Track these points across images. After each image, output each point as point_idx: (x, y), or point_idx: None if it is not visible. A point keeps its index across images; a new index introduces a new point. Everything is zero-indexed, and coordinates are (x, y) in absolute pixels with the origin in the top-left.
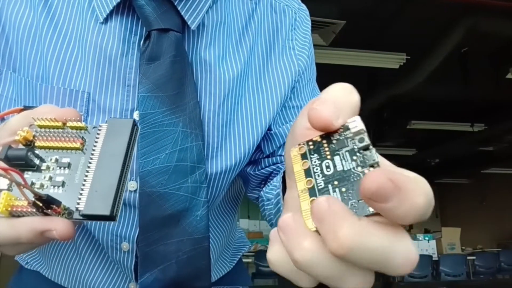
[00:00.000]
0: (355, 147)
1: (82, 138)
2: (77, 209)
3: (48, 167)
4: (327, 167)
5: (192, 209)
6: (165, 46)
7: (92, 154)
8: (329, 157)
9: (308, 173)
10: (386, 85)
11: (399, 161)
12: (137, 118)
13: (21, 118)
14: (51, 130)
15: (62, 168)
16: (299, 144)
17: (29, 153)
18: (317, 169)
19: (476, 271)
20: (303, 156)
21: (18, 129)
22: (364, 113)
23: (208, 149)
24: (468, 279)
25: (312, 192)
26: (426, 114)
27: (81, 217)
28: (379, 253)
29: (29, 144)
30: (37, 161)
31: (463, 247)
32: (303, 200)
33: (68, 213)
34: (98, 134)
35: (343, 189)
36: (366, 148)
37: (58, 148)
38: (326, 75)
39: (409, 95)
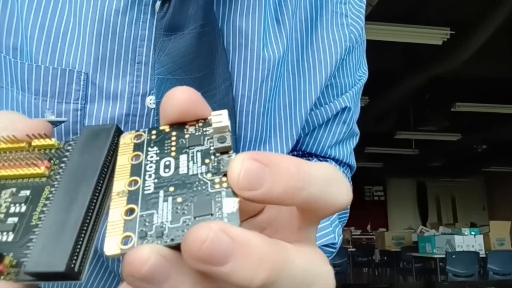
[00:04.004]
0: (212, 147)
1: (50, 159)
2: (23, 264)
3: None
4: (167, 166)
5: None
6: (190, 12)
7: (57, 181)
8: (173, 154)
9: (136, 170)
10: (428, 63)
11: (443, 147)
12: (152, 105)
13: None
14: (12, 153)
15: (18, 204)
16: (138, 131)
17: None
18: (151, 167)
19: None
20: (137, 147)
21: None
22: (403, 94)
23: (239, 143)
24: None
25: (132, 197)
26: (472, 95)
27: (27, 277)
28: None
29: None
30: None
31: None
32: (114, 207)
33: (15, 273)
34: (70, 151)
35: (179, 199)
36: (225, 151)
37: (17, 177)
38: None
39: (453, 75)
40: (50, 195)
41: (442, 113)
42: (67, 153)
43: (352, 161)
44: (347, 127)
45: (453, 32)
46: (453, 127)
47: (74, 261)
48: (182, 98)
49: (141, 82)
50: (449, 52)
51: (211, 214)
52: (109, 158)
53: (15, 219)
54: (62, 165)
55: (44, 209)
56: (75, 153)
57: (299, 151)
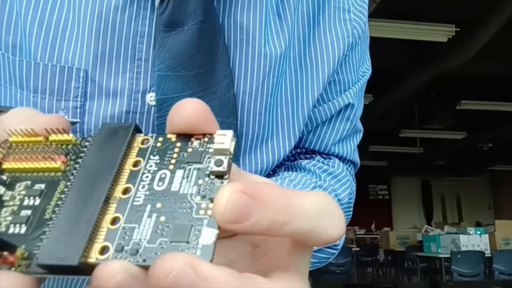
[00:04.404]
0: (209, 168)
1: (67, 155)
2: (36, 256)
3: (13, 198)
4: (161, 179)
5: None
6: (190, 7)
7: (73, 176)
8: (171, 167)
9: (133, 177)
10: (433, 61)
11: (448, 146)
12: (152, 102)
13: None
14: (29, 146)
15: (32, 197)
16: (146, 135)
17: None
18: (147, 176)
19: None
20: (141, 153)
21: None
22: (407, 92)
23: (241, 141)
24: None
25: (121, 206)
26: (477, 93)
27: (39, 269)
28: None
29: None
30: (0, 190)
31: None
32: (102, 213)
33: (26, 265)
34: (87, 147)
35: (162, 218)
36: (220, 176)
37: (32, 171)
38: None
39: (459, 72)
40: (65, 189)
41: (447, 111)
42: (84, 149)
43: (356, 158)
44: (350, 124)
45: (458, 29)
46: (458, 125)
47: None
48: (191, 111)
49: (141, 79)
50: (454, 49)
51: (187, 242)
52: (126, 156)
53: (29, 212)
54: (79, 160)
55: (59, 202)
56: (92, 149)
57: (303, 148)
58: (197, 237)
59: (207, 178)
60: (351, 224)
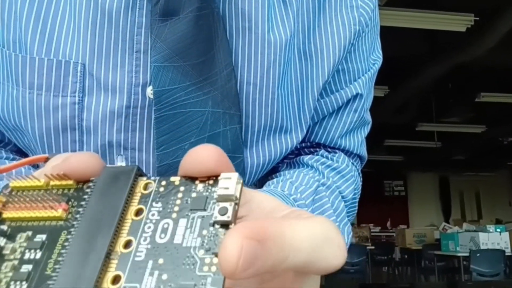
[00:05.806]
0: (213, 216)
1: (68, 201)
2: None
3: (14, 251)
4: (164, 231)
5: None
6: None
7: (74, 228)
8: (174, 215)
9: (135, 228)
10: (451, 51)
11: (466, 140)
12: (151, 96)
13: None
14: (29, 191)
15: (33, 250)
16: (148, 178)
17: None
18: (149, 227)
19: None
20: (143, 200)
21: None
22: (425, 83)
23: (247, 133)
24: None
25: (122, 262)
26: (497, 85)
27: None
28: None
29: None
30: (0, 241)
31: None
32: (103, 270)
33: None
34: (88, 194)
35: (164, 276)
36: (225, 225)
37: (33, 220)
38: (381, 40)
39: (478, 63)
40: (66, 243)
41: (465, 103)
42: (87, 193)
43: (363, 151)
44: (358, 115)
45: (478, 18)
46: (477, 118)
47: None
48: (206, 158)
49: (140, 72)
50: (473, 39)
51: None
52: (128, 204)
53: (29, 267)
54: (80, 209)
55: (59, 259)
56: (94, 197)
57: (307, 142)
58: None
59: (211, 228)
60: (366, 221)
